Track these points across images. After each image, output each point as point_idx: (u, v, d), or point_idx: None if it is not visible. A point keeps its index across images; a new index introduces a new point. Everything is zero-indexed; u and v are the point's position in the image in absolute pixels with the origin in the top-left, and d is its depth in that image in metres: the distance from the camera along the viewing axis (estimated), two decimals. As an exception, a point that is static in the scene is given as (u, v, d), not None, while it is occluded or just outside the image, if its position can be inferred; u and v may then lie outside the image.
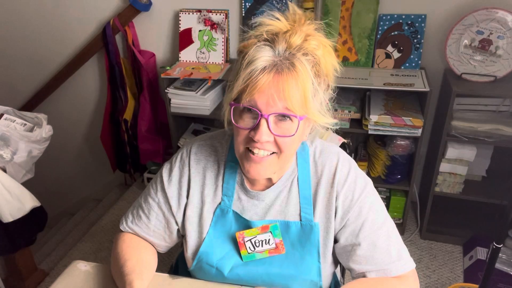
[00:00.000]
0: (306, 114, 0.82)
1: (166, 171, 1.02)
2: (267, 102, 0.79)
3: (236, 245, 0.96)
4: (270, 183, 0.96)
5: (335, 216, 0.94)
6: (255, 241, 0.95)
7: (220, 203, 0.97)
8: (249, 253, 0.96)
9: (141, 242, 1.04)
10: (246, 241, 0.95)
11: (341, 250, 0.96)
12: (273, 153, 0.85)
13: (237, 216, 0.97)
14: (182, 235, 1.05)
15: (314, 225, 0.94)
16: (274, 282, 0.95)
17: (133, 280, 0.89)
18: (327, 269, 0.98)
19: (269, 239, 0.95)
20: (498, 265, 1.87)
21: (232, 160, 0.96)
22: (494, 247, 1.43)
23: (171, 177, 1.00)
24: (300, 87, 0.78)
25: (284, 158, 0.88)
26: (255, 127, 0.81)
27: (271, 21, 0.82)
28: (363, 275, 0.95)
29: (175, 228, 1.02)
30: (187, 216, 0.99)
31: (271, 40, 0.80)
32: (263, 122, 0.80)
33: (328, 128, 0.90)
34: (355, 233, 0.94)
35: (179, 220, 1.01)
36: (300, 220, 0.95)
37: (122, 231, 1.06)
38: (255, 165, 0.86)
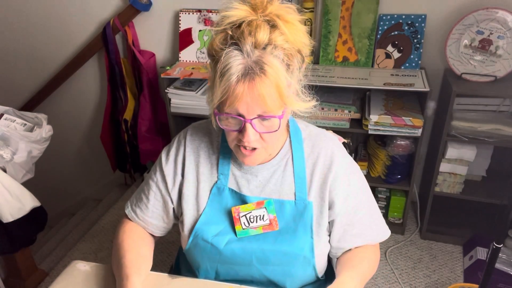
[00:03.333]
0: (285, 105, 0.85)
1: (164, 152, 1.07)
2: (247, 108, 0.83)
3: (231, 221, 1.00)
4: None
5: (336, 201, 0.98)
6: (249, 217, 0.98)
7: (216, 182, 1.01)
8: (243, 229, 0.98)
9: (140, 234, 1.07)
10: (241, 216, 0.98)
11: (336, 232, 1.02)
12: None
13: (233, 193, 1.01)
14: (177, 217, 1.08)
15: (308, 203, 0.98)
16: (268, 258, 0.98)
17: (130, 274, 0.92)
18: (320, 248, 1.01)
19: (263, 215, 0.98)
20: (498, 265, 1.87)
21: (226, 141, 0.99)
22: (494, 247, 1.42)
23: (169, 157, 1.05)
24: (273, 88, 0.81)
25: (272, 147, 0.95)
26: (242, 130, 0.86)
27: (232, 12, 0.81)
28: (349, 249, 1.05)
29: (171, 206, 1.06)
30: (183, 194, 1.02)
31: (237, 39, 0.80)
32: (248, 126, 0.85)
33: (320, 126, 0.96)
34: (350, 217, 1.01)
35: (174, 199, 1.05)
36: (295, 199, 0.99)
37: (126, 216, 1.11)
38: (248, 157, 0.92)
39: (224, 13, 0.81)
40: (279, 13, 0.82)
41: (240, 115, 0.84)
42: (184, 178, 1.02)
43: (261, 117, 0.84)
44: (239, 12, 0.81)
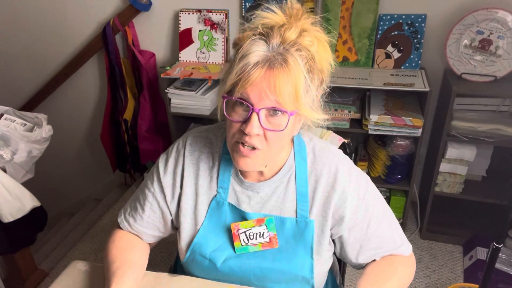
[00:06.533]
0: (297, 109, 0.83)
1: (162, 161, 1.03)
2: (259, 96, 0.79)
3: (230, 237, 0.97)
4: (261, 176, 0.97)
5: (344, 217, 0.95)
6: (249, 234, 0.96)
7: (215, 195, 0.98)
8: (242, 246, 0.96)
9: (130, 241, 1.04)
10: (241, 233, 0.96)
11: (350, 248, 0.99)
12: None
13: (233, 208, 0.98)
14: (176, 228, 1.06)
15: (309, 222, 0.95)
16: (266, 276, 0.96)
17: (111, 284, 0.90)
18: (320, 266, 0.99)
19: (263, 232, 0.95)
20: (498, 265, 1.87)
21: (227, 152, 0.96)
22: (494, 247, 1.43)
23: (167, 167, 1.01)
24: (292, 82, 0.79)
25: (272, 153, 0.89)
26: (247, 120, 0.82)
27: (267, 14, 0.82)
28: (371, 261, 1.00)
29: (169, 218, 1.03)
30: (181, 207, 1.00)
31: (266, 34, 0.81)
32: (254, 116, 0.81)
33: (322, 127, 0.92)
34: (363, 231, 0.97)
35: (173, 211, 1.02)
36: (296, 217, 0.96)
37: (118, 225, 1.08)
38: (243, 157, 0.87)
39: (260, 12, 0.83)
40: (310, 27, 0.84)
41: (249, 103, 0.80)
42: (183, 190, 0.99)
43: (271, 109, 0.81)
44: (275, 16, 0.82)
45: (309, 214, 0.95)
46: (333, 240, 1.01)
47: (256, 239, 0.96)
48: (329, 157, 0.97)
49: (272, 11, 0.83)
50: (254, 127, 0.81)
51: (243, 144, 0.85)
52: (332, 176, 0.95)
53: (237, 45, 0.84)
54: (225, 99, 0.84)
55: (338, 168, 0.95)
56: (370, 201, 0.97)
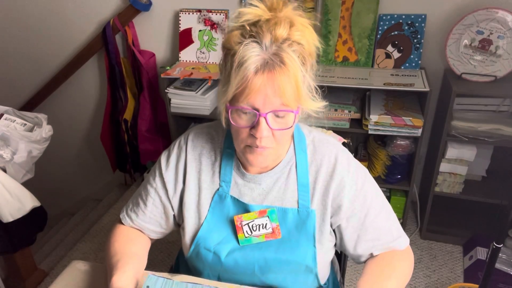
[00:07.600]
0: (300, 104, 0.86)
1: (164, 157, 1.05)
2: (264, 101, 0.81)
3: (233, 229, 0.99)
4: (263, 168, 0.99)
5: (342, 205, 0.97)
6: (252, 225, 0.97)
7: (218, 189, 1.00)
8: (246, 237, 0.98)
9: (131, 235, 1.05)
10: (244, 225, 0.97)
11: (348, 237, 1.00)
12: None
13: (235, 201, 0.99)
14: (178, 224, 1.07)
15: (311, 211, 0.97)
16: (270, 267, 0.97)
17: (112, 275, 0.89)
18: (322, 256, 1.00)
19: (266, 224, 0.97)
20: (498, 265, 1.87)
21: (229, 147, 0.99)
22: (494, 247, 1.43)
23: (169, 163, 1.03)
24: (292, 80, 0.81)
25: (281, 148, 0.94)
26: (255, 125, 0.84)
27: (249, 10, 0.83)
28: (370, 255, 1.01)
29: (171, 213, 1.04)
30: (184, 202, 1.01)
31: (256, 33, 0.81)
32: (262, 120, 0.83)
33: (323, 126, 0.96)
34: (361, 221, 0.98)
35: (175, 206, 1.03)
36: (297, 207, 0.98)
37: (120, 221, 1.09)
38: (258, 156, 0.89)
39: (241, 9, 0.83)
40: (294, 16, 0.84)
41: (255, 109, 0.82)
42: (186, 185, 1.01)
43: (277, 111, 0.83)
44: (256, 10, 0.82)
45: (310, 204, 0.97)
46: (333, 231, 1.02)
47: (259, 230, 0.97)
48: (329, 148, 0.99)
49: (254, 5, 0.83)
50: (264, 130, 0.84)
51: (256, 146, 0.87)
52: (331, 166, 0.97)
53: (227, 49, 0.84)
54: (230, 109, 0.85)
55: (337, 158, 0.98)
56: (368, 192, 0.99)
